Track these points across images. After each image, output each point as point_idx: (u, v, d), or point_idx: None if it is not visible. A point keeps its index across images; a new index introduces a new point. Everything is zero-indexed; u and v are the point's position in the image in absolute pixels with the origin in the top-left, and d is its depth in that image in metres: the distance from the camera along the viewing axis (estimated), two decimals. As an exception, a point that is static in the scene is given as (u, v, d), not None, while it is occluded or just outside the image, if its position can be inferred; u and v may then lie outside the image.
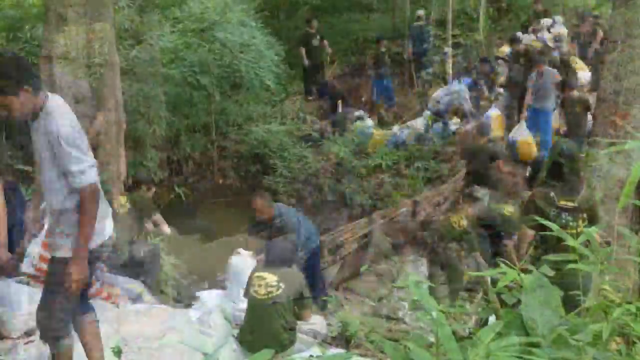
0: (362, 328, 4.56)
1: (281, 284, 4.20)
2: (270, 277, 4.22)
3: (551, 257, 2.04)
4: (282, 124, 11.25)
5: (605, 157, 4.74)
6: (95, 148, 4.82)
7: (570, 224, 3.78)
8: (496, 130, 9.94)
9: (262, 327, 4.15)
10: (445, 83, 11.83)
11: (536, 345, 1.52)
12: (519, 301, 1.72)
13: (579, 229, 3.71)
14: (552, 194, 3.86)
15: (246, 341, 4.25)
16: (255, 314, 4.22)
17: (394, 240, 7.56)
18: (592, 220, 3.79)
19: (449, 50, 11.66)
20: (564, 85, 8.82)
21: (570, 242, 1.93)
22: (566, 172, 3.90)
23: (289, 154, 10.16)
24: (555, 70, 8.97)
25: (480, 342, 1.42)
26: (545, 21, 11.95)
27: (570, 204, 3.83)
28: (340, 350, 4.29)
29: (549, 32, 11.25)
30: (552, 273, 1.97)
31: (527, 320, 1.58)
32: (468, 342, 1.50)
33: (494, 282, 3.27)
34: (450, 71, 11.75)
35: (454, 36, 12.15)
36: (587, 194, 3.95)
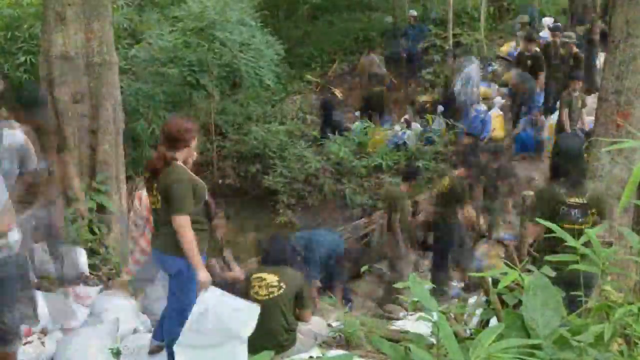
0: (362, 329, 4.55)
1: (282, 284, 4.19)
2: (271, 278, 4.21)
3: (552, 257, 2.04)
4: (282, 124, 11.25)
5: (606, 156, 4.74)
6: None
7: (580, 220, 3.79)
8: (497, 130, 9.97)
9: (263, 327, 4.14)
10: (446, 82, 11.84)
11: (537, 346, 1.52)
12: (520, 302, 1.72)
13: (587, 226, 3.72)
14: (561, 190, 3.87)
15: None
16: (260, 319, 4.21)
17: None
18: (602, 216, 3.81)
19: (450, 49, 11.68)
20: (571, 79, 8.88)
21: (571, 242, 1.93)
22: (570, 169, 3.91)
23: (289, 154, 10.15)
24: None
25: (481, 343, 1.42)
26: (546, 20, 11.97)
27: (579, 201, 3.84)
28: (340, 352, 4.28)
29: (549, 29, 11.26)
30: (553, 274, 1.97)
31: (528, 321, 1.58)
32: (469, 343, 1.49)
33: (495, 282, 3.27)
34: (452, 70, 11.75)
35: (454, 35, 12.14)
36: (595, 190, 3.96)
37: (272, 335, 4.11)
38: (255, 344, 4.10)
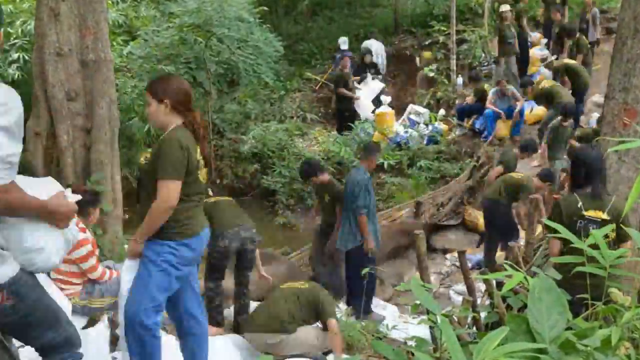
0: (362, 332, 4.57)
1: (306, 284, 4.60)
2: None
3: (558, 259, 2.04)
4: (281, 122, 11.24)
5: (613, 156, 4.73)
6: None
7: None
8: (502, 130, 9.99)
9: (274, 310, 4.43)
10: (449, 80, 11.84)
11: (543, 350, 1.51)
12: (525, 305, 1.72)
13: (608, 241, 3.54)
14: (579, 203, 3.80)
15: (250, 323, 4.52)
16: (273, 300, 4.54)
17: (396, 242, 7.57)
18: (620, 235, 3.55)
19: (453, 46, 11.68)
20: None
21: (577, 244, 1.93)
22: (590, 180, 3.86)
23: (288, 153, 10.15)
24: None
25: (485, 347, 1.41)
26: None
27: (600, 216, 3.76)
28: (343, 356, 4.29)
29: None
30: (559, 276, 1.97)
31: (534, 325, 1.58)
32: (473, 347, 1.49)
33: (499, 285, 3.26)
34: (455, 67, 11.75)
35: (458, 32, 12.13)
36: (616, 205, 3.86)
37: (279, 319, 4.34)
38: (260, 323, 4.35)
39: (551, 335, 1.56)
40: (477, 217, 7.87)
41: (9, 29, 8.57)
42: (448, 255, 7.71)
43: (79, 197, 2.54)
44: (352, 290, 5.81)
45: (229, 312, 5.27)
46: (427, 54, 12.71)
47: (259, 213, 9.77)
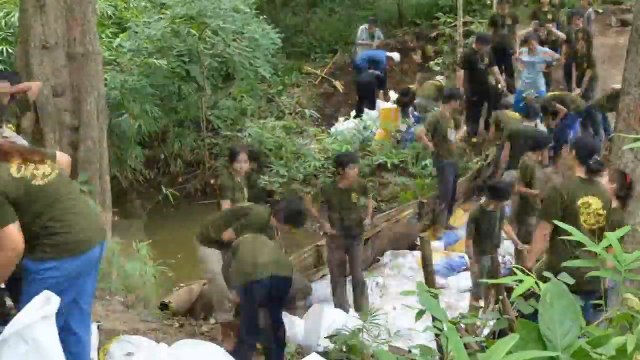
0: (365, 341, 4.58)
1: None
2: None
3: (570, 263, 2.04)
4: (279, 119, 11.24)
5: (629, 154, 4.73)
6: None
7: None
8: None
9: None
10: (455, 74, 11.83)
11: (555, 359, 1.51)
12: (537, 311, 1.71)
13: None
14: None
15: None
16: None
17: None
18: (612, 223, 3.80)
19: (460, 39, 11.68)
20: None
21: (591, 246, 1.93)
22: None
23: (287, 152, 10.15)
24: None
25: (493, 356, 1.41)
26: None
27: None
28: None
29: None
30: (572, 281, 1.96)
31: (545, 332, 1.58)
32: (481, 356, 1.49)
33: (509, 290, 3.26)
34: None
35: (465, 24, 12.14)
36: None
37: None
38: None
39: (563, 343, 1.55)
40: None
41: (-8, 21, 8.57)
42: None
43: None
44: None
45: None
46: (428, 48, 12.62)
47: (256, 215, 9.75)
